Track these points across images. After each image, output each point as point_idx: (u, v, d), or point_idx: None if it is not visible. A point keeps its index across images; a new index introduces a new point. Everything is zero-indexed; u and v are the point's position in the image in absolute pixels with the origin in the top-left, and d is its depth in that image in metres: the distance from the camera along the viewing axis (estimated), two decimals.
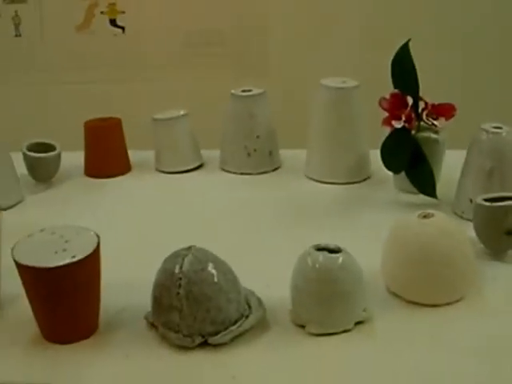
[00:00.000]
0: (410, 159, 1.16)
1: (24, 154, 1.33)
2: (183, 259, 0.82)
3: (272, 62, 2.48)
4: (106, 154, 1.38)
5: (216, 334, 0.81)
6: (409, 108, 1.11)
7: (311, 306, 0.82)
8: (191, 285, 0.80)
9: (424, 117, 1.13)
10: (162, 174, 1.40)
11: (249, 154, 1.35)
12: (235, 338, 0.82)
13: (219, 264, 0.83)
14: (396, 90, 1.14)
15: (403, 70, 1.14)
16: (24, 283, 0.82)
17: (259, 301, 0.87)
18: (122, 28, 2.66)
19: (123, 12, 2.62)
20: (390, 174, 1.25)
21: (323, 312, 0.82)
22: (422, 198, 1.18)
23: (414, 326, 0.84)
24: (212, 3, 2.53)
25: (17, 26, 2.63)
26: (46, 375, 0.78)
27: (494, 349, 0.79)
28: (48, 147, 1.35)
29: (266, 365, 0.79)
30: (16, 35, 2.63)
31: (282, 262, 0.87)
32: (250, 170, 1.36)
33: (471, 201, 1.06)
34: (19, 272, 0.81)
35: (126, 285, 0.93)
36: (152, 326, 0.85)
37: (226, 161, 1.39)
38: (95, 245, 0.82)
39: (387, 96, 1.15)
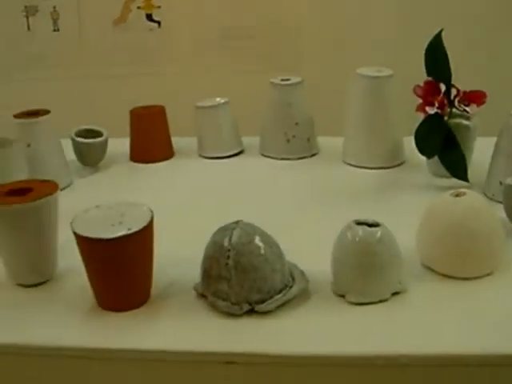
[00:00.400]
0: (442, 144, 1.21)
1: (73, 140, 1.40)
2: (232, 232, 0.88)
3: (305, 55, 2.51)
4: (151, 139, 1.44)
5: (262, 302, 0.87)
6: (442, 94, 1.17)
7: (351, 276, 0.88)
8: (239, 256, 0.86)
9: (456, 103, 1.18)
10: (205, 159, 1.46)
11: (288, 141, 1.41)
12: (280, 307, 0.87)
13: (265, 237, 0.89)
14: (429, 78, 1.19)
15: (436, 58, 1.19)
16: (82, 254, 0.89)
17: (302, 273, 0.93)
18: (158, 22, 2.71)
19: (159, 7, 2.66)
20: (424, 159, 1.30)
21: (362, 282, 0.88)
22: (454, 181, 1.22)
23: (445, 297, 0.90)
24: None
25: (55, 20, 2.69)
26: (103, 340, 0.85)
27: None
28: (95, 133, 1.42)
29: (309, 331, 0.84)
30: (54, 30, 2.69)
31: (323, 238, 0.93)
32: (290, 156, 1.42)
33: (501, 183, 1.11)
34: (78, 244, 0.88)
35: (174, 260, 0.98)
36: (201, 296, 0.91)
37: (266, 147, 1.45)
38: (149, 219, 0.89)
39: (421, 84, 1.20)
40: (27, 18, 2.68)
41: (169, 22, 2.70)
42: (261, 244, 0.88)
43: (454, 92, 1.20)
